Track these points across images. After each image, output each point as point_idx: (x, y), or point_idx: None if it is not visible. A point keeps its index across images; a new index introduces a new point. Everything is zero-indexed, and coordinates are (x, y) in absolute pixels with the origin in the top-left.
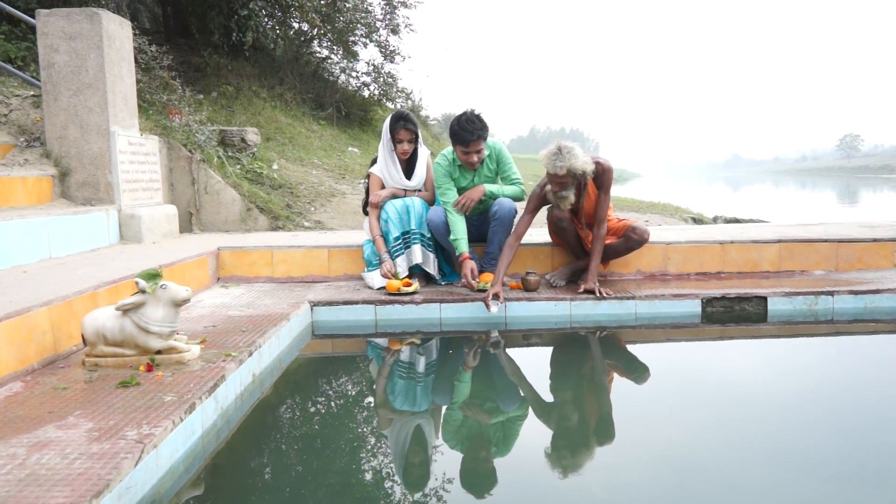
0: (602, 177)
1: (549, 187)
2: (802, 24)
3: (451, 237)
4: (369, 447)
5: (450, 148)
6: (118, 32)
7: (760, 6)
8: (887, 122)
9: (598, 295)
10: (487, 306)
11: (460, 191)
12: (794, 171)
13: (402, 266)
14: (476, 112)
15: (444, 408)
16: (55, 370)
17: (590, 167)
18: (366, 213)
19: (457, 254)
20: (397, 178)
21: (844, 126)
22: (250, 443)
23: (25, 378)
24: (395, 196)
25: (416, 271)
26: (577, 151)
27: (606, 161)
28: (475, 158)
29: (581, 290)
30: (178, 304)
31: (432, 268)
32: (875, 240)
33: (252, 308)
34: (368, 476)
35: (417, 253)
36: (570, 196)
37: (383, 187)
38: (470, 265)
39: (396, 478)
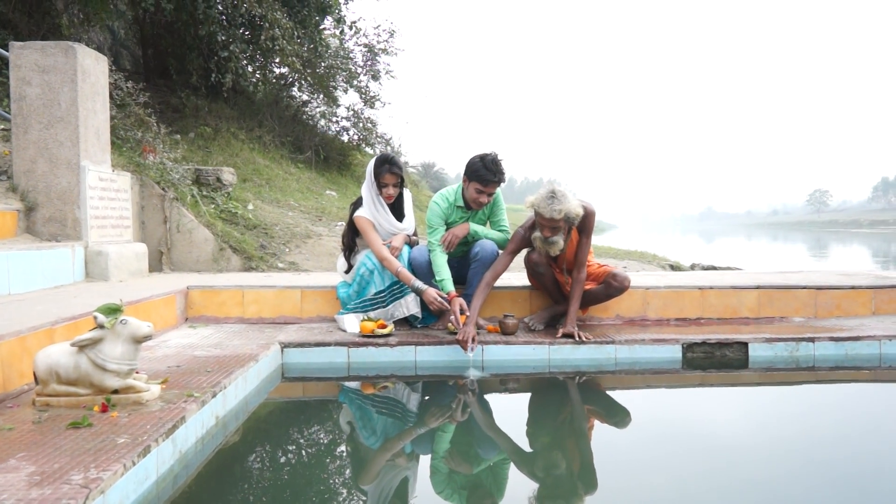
0: (585, 221)
1: (537, 233)
2: (774, 84)
3: (437, 278)
4: (340, 498)
5: (451, 188)
6: (93, 67)
7: (733, 65)
8: (854, 178)
9: (577, 339)
10: (464, 347)
11: None
12: (766, 225)
13: (383, 317)
14: (499, 157)
15: (419, 456)
16: (3, 410)
17: (581, 211)
18: (346, 248)
19: (444, 293)
20: (388, 222)
21: (814, 182)
22: (210, 491)
23: None
24: (409, 242)
25: (411, 320)
26: (569, 195)
27: (590, 205)
28: (485, 199)
29: (560, 334)
30: (139, 340)
31: (418, 309)
32: (853, 287)
33: (220, 348)
34: None
35: (412, 303)
36: (560, 241)
37: (375, 229)
38: (459, 302)
39: None
